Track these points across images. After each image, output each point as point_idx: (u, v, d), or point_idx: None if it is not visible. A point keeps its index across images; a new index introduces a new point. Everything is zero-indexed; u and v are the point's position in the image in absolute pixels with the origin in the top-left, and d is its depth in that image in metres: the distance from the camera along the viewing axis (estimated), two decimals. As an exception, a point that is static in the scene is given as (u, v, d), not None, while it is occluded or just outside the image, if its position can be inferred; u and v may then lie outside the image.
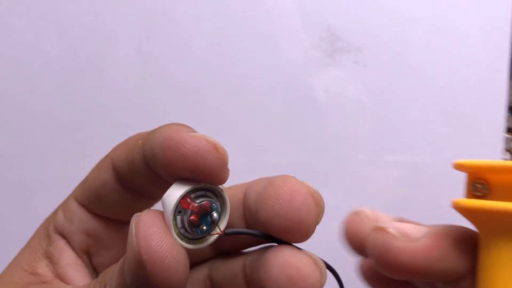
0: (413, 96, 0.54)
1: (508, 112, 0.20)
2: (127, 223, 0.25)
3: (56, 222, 0.25)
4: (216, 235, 0.19)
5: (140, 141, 0.21)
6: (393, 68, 0.55)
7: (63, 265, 0.24)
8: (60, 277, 0.24)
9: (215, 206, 0.19)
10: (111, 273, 0.20)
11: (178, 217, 0.19)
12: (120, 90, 0.56)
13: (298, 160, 0.53)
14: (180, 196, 0.19)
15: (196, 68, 0.56)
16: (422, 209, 0.53)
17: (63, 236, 0.24)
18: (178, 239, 0.18)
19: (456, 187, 0.51)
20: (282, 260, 0.19)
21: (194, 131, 0.20)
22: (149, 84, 0.56)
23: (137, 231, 0.18)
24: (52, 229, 0.25)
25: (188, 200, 0.19)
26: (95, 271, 0.25)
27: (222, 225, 0.20)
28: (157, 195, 0.25)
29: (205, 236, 0.19)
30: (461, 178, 0.21)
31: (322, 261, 0.20)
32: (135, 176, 0.22)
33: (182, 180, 0.19)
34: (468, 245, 0.21)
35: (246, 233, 0.20)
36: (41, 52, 0.56)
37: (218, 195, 0.20)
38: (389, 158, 0.53)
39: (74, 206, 0.24)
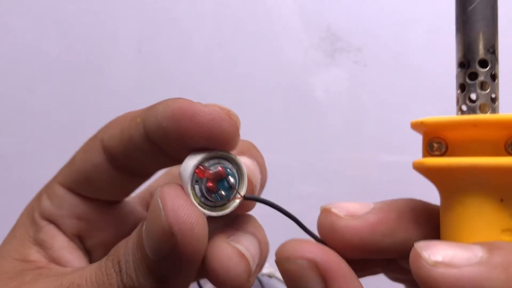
0: (413, 96, 0.54)
1: (458, 68, 0.20)
2: (117, 203, 0.26)
3: (43, 208, 0.24)
4: (238, 200, 0.20)
5: (138, 119, 0.21)
6: (393, 68, 0.55)
7: (57, 249, 0.24)
8: (56, 261, 0.24)
9: (230, 172, 0.20)
10: (124, 249, 0.20)
11: (197, 187, 0.19)
12: (120, 90, 0.56)
13: (298, 160, 0.53)
14: (194, 166, 0.19)
15: (196, 68, 0.56)
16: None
17: (52, 221, 0.24)
18: (201, 208, 0.19)
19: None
20: (214, 252, 0.20)
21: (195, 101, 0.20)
22: (149, 84, 0.56)
23: (164, 204, 0.18)
24: (39, 216, 0.24)
25: (202, 168, 0.19)
26: (88, 253, 0.25)
27: (242, 190, 0.20)
28: (153, 173, 0.25)
29: (226, 203, 0.20)
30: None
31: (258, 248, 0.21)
32: (133, 155, 0.22)
33: (194, 152, 0.20)
34: (418, 215, 0.21)
35: (265, 202, 0.21)
36: (41, 52, 0.56)
37: (232, 162, 0.20)
38: (389, 158, 0.53)
39: (61, 191, 0.24)
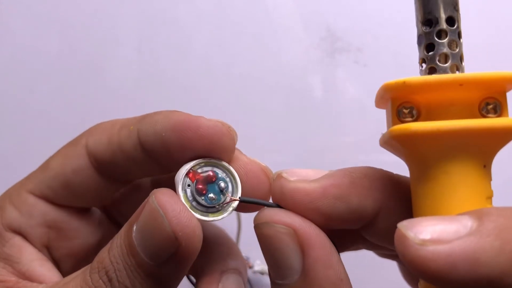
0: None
1: (424, 26, 0.19)
2: (88, 210, 0.25)
3: (8, 219, 0.23)
4: (235, 205, 0.21)
5: (131, 127, 0.21)
6: (393, 68, 0.55)
7: (26, 263, 0.23)
8: (26, 276, 0.23)
9: (221, 177, 0.21)
10: (109, 258, 0.20)
11: (188, 190, 0.20)
12: (120, 90, 0.56)
13: (298, 160, 0.53)
14: (187, 170, 0.20)
15: (196, 68, 0.56)
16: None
17: (19, 232, 0.23)
18: (192, 211, 0.20)
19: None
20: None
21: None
22: (149, 84, 0.56)
23: (165, 211, 0.18)
24: (2, 228, 0.23)
25: (192, 172, 0.20)
26: (56, 264, 0.24)
27: (237, 195, 0.21)
28: (139, 179, 0.25)
29: (218, 209, 0.21)
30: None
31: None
32: (121, 162, 0.22)
33: (189, 161, 0.21)
34: (373, 182, 0.20)
35: (259, 203, 0.21)
36: (41, 52, 0.56)
37: (225, 170, 0.21)
38: (389, 158, 0.53)
39: (31, 199, 0.24)
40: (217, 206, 0.20)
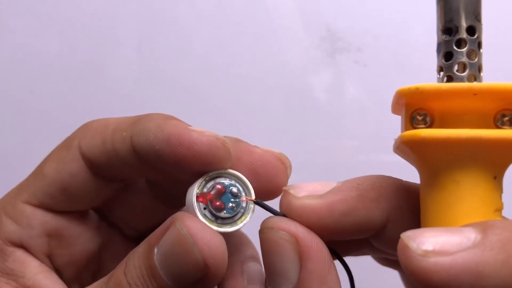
0: (413, 96, 0.54)
1: (444, 35, 0.19)
2: (86, 214, 0.25)
3: (7, 233, 0.22)
4: (252, 206, 0.21)
5: (124, 133, 0.21)
6: (393, 68, 0.55)
7: (31, 276, 0.22)
8: None
9: (228, 184, 0.21)
10: (128, 280, 0.19)
11: (207, 212, 0.20)
12: (120, 90, 0.56)
13: (298, 160, 0.53)
14: (195, 197, 0.20)
15: (196, 68, 0.56)
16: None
17: (21, 245, 0.23)
18: (223, 229, 0.20)
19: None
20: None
21: (187, 124, 0.21)
22: (149, 84, 0.56)
23: (196, 239, 0.18)
24: (2, 243, 0.22)
25: (201, 195, 0.20)
26: (57, 273, 0.24)
27: (251, 195, 0.21)
28: (136, 179, 0.25)
29: (240, 212, 0.21)
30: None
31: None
32: (116, 165, 0.22)
33: (189, 187, 0.21)
34: (381, 193, 0.20)
35: (271, 210, 0.21)
36: (41, 52, 0.56)
37: (228, 175, 0.21)
38: (389, 158, 0.53)
39: (29, 209, 0.23)
40: (241, 210, 0.21)
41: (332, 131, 0.55)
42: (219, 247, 0.19)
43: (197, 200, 0.20)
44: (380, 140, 0.55)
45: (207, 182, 0.21)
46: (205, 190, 0.20)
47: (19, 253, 0.23)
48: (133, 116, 0.22)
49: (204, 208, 0.20)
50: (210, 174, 0.21)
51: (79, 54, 0.56)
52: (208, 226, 0.19)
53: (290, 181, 0.57)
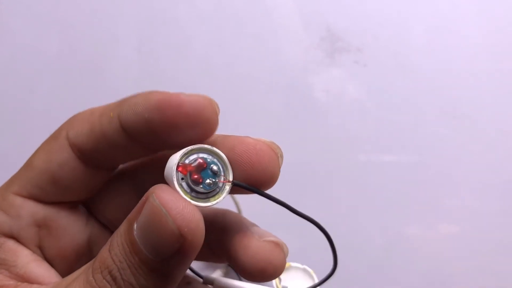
0: (413, 96, 0.54)
1: None
2: (76, 206, 0.25)
3: None
4: (228, 186, 0.21)
5: (111, 113, 0.21)
6: (393, 68, 0.55)
7: (23, 265, 0.23)
8: (25, 278, 0.23)
9: (210, 161, 0.21)
10: (111, 258, 0.20)
11: (184, 184, 0.20)
12: (120, 90, 0.56)
13: (298, 160, 0.53)
14: (175, 165, 0.20)
15: (196, 68, 0.56)
16: (422, 209, 0.53)
17: (11, 236, 0.23)
18: (196, 202, 0.20)
19: (455, 187, 0.51)
20: None
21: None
22: (149, 84, 0.56)
23: (168, 208, 0.19)
24: None
25: (182, 165, 0.20)
26: (49, 263, 0.24)
27: (229, 176, 0.21)
28: (125, 163, 0.25)
29: (217, 191, 0.21)
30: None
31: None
32: (105, 150, 0.22)
33: (172, 155, 0.21)
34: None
35: (250, 189, 0.21)
36: (41, 52, 0.56)
37: (210, 152, 0.21)
38: (389, 158, 0.53)
39: (18, 200, 0.23)
40: (217, 189, 0.21)
41: (331, 130, 0.55)
42: (193, 216, 0.19)
43: (176, 169, 0.20)
44: (380, 140, 0.55)
45: (190, 154, 0.21)
46: (186, 161, 0.21)
47: (10, 243, 0.23)
48: (119, 99, 0.23)
49: (182, 179, 0.20)
50: (194, 147, 0.21)
51: (79, 54, 0.56)
52: (181, 196, 0.20)
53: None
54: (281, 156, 0.22)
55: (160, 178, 0.22)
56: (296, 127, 0.55)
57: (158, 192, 0.19)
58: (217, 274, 0.45)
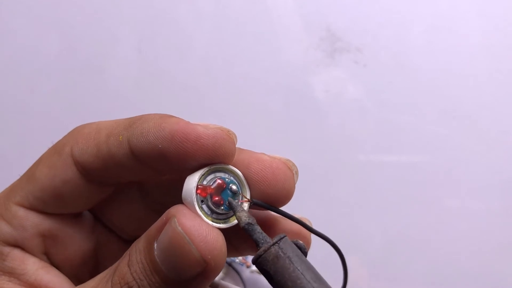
0: (413, 96, 0.54)
1: None
2: (80, 214, 0.25)
3: (2, 234, 0.23)
4: (246, 204, 0.21)
5: (120, 137, 0.21)
6: (393, 68, 0.55)
7: (32, 273, 0.23)
8: (35, 285, 0.22)
9: (229, 180, 0.21)
10: (131, 274, 0.20)
11: (204, 206, 0.20)
12: (120, 90, 0.56)
13: (298, 160, 0.53)
14: (195, 188, 0.20)
15: (196, 68, 0.56)
16: (422, 209, 0.53)
17: (16, 245, 0.23)
18: (217, 225, 0.20)
19: (455, 187, 0.51)
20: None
21: (186, 120, 0.21)
22: (149, 84, 0.56)
23: (192, 237, 0.19)
24: None
25: (202, 187, 0.20)
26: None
27: (247, 194, 0.21)
28: (132, 180, 0.25)
29: (231, 212, 0.21)
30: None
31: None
32: (112, 170, 0.22)
33: (189, 175, 0.20)
34: None
35: (269, 208, 0.21)
36: (41, 52, 0.56)
37: (227, 171, 0.21)
38: (389, 158, 0.53)
39: (21, 212, 0.23)
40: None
41: (331, 130, 0.55)
42: (216, 242, 0.19)
43: (196, 191, 0.20)
44: (380, 140, 0.55)
45: (207, 175, 0.20)
46: (205, 182, 0.20)
47: (17, 252, 0.23)
48: (126, 118, 0.22)
49: (202, 201, 0.20)
50: (211, 167, 0.20)
51: (79, 54, 0.56)
52: (204, 221, 0.19)
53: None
54: (296, 173, 0.22)
55: (169, 185, 0.21)
56: (296, 127, 0.55)
57: (180, 217, 0.19)
58: (217, 276, 0.45)
